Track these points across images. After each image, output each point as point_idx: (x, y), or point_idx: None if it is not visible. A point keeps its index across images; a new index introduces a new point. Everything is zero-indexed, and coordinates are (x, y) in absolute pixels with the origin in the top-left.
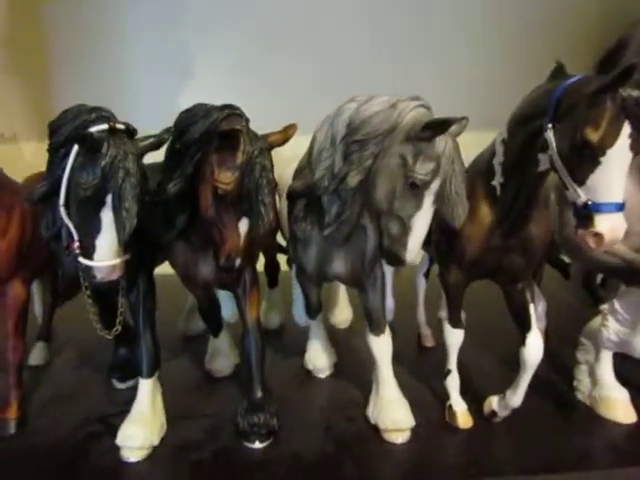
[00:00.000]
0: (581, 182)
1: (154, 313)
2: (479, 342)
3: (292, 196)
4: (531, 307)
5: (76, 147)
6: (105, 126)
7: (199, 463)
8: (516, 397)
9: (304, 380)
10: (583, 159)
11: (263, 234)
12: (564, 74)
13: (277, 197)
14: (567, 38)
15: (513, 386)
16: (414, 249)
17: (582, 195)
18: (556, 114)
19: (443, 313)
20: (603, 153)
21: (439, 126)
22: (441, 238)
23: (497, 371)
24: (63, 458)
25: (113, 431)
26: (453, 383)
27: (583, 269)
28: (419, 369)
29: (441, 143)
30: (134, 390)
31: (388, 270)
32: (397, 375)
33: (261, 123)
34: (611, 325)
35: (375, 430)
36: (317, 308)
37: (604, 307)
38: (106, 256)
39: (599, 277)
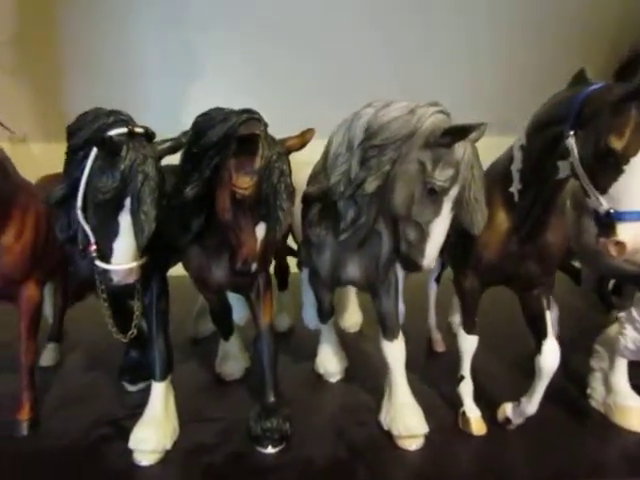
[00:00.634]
0: (603, 190)
1: (167, 315)
2: (489, 347)
3: (307, 200)
4: (547, 314)
5: (95, 150)
6: (124, 129)
7: (211, 467)
8: (531, 405)
9: (315, 384)
10: (606, 167)
11: (279, 239)
12: (585, 80)
13: None
14: (578, 39)
15: (528, 394)
16: (431, 255)
17: (604, 203)
18: (578, 121)
19: (453, 318)
20: (627, 161)
21: (459, 132)
22: (457, 243)
23: (507, 377)
24: (75, 460)
25: (124, 434)
26: (466, 389)
27: (596, 274)
28: (430, 374)
29: (460, 149)
30: (145, 393)
31: (400, 275)
32: (408, 381)
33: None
34: (629, 333)
35: (388, 436)
36: (329, 312)
37: (621, 315)
38: (123, 259)
39: (611, 283)
